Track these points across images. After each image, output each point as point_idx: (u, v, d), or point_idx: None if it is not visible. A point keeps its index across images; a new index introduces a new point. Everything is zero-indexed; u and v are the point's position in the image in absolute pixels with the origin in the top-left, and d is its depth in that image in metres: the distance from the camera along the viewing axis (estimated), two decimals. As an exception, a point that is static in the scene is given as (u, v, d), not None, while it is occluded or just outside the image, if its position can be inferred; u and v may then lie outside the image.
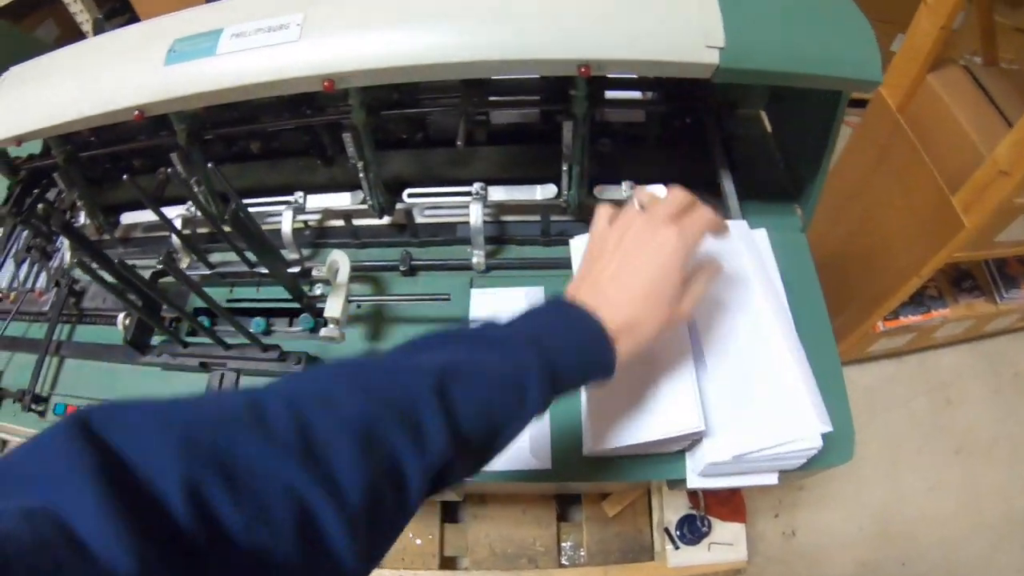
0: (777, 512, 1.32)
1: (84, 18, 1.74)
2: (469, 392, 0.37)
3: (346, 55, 0.49)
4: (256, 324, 0.67)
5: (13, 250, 0.85)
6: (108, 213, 0.80)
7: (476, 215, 0.60)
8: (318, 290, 0.66)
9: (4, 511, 0.21)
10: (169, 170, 0.68)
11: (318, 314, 0.62)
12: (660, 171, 0.66)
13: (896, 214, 1.01)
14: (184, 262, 0.70)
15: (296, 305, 0.63)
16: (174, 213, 0.71)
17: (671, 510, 1.13)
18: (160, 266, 0.62)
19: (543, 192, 0.65)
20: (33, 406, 0.68)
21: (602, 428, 0.54)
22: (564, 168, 0.62)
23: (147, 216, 0.78)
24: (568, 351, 0.42)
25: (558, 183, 0.64)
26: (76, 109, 0.58)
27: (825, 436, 0.51)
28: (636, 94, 0.72)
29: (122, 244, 0.81)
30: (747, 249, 0.58)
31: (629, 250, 0.46)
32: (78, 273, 0.77)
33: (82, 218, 0.81)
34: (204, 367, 0.63)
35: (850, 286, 1.20)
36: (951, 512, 1.33)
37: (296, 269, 0.62)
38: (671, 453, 0.59)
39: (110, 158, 0.79)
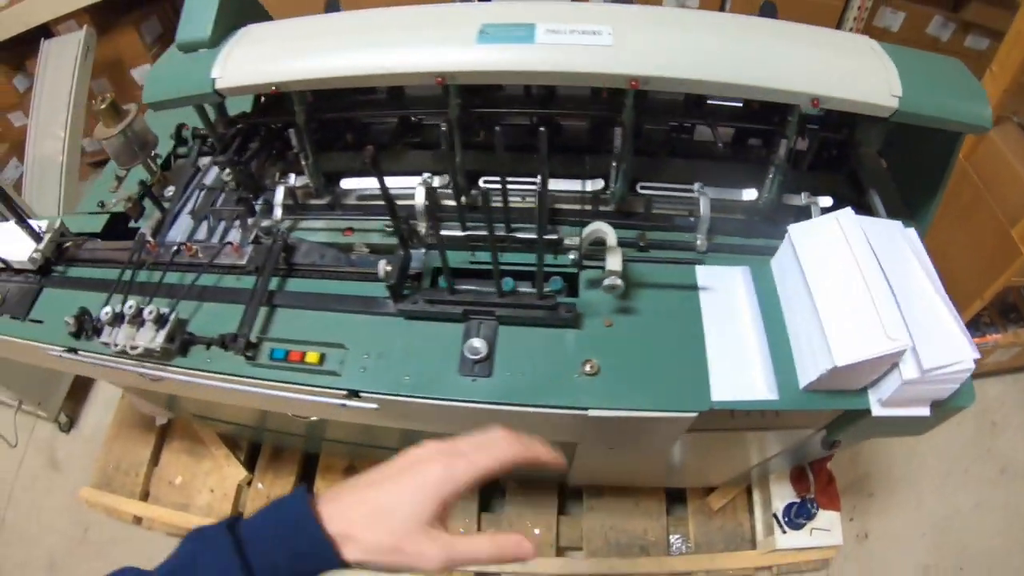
0: (852, 516, 1.49)
1: None
2: None
3: (653, 63, 0.69)
4: (506, 284, 0.77)
5: (191, 207, 0.99)
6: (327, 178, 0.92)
7: (705, 207, 0.83)
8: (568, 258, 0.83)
9: None
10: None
11: (568, 279, 0.81)
12: (819, 185, 0.90)
13: (962, 246, 1.27)
14: (421, 228, 0.84)
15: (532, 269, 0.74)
16: (401, 184, 0.84)
17: (778, 499, 1.30)
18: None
19: (592, 185, 0.85)
20: (246, 352, 0.75)
21: (812, 356, 0.73)
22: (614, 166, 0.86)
23: (364, 184, 0.91)
24: (275, 547, 0.43)
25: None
26: (373, 64, 0.72)
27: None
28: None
29: (340, 208, 0.93)
30: (902, 236, 0.80)
31: (393, 464, 0.47)
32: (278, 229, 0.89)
33: (292, 179, 0.92)
34: (465, 316, 0.75)
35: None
36: (997, 528, 1.52)
37: (554, 236, 0.82)
38: (854, 391, 0.78)
39: (323, 127, 0.91)
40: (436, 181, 0.83)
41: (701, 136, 0.95)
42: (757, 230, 0.87)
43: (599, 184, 0.85)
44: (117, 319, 0.78)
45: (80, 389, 1.82)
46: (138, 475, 1.55)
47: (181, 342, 0.78)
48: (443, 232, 0.79)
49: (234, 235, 0.95)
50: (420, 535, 0.43)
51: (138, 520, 1.52)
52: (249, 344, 0.76)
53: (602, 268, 0.75)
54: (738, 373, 0.75)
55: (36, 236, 0.92)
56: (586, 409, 0.69)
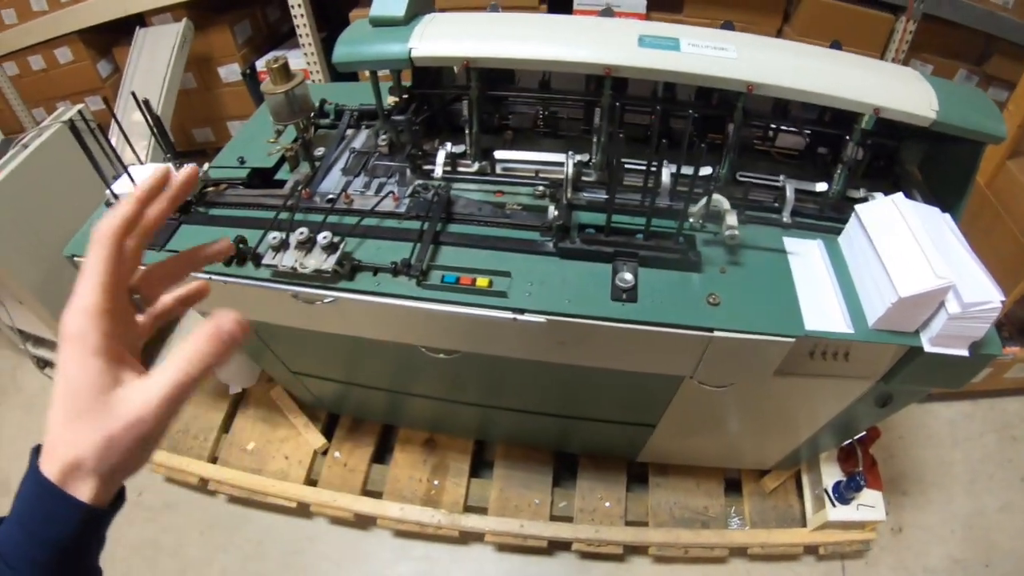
0: (888, 511, 1.69)
1: (302, 22, 2.09)
2: None
3: (767, 74, 0.94)
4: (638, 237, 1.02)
5: (342, 165, 1.21)
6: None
7: (790, 191, 1.09)
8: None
9: None
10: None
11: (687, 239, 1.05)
12: (871, 189, 1.16)
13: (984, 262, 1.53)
14: (566, 194, 1.06)
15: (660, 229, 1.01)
16: (545, 158, 1.14)
17: (828, 477, 1.50)
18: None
19: (703, 171, 1.14)
20: (420, 277, 0.96)
21: (879, 295, 0.97)
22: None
23: (515, 155, 1.16)
24: (26, 530, 0.38)
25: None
26: (554, 52, 0.97)
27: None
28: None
29: (492, 175, 1.16)
30: (940, 217, 1.05)
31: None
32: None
33: (449, 146, 1.15)
34: (613, 256, 0.97)
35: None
36: (1021, 529, 1.72)
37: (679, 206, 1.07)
38: (910, 334, 1.00)
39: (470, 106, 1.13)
40: (577, 157, 1.08)
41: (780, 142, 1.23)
42: (826, 215, 1.13)
43: (708, 170, 1.11)
44: (282, 245, 0.97)
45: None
46: (207, 439, 1.69)
47: (351, 267, 0.98)
48: (586, 196, 1.06)
49: (391, 189, 1.14)
50: (114, 404, 0.38)
51: (203, 483, 1.66)
52: (422, 271, 0.96)
53: (712, 233, 1.00)
54: (821, 312, 0.98)
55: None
56: (711, 330, 0.92)
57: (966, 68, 1.97)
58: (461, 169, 1.18)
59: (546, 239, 1.02)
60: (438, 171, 1.14)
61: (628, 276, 0.94)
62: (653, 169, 0.92)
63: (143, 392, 0.39)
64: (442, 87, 1.24)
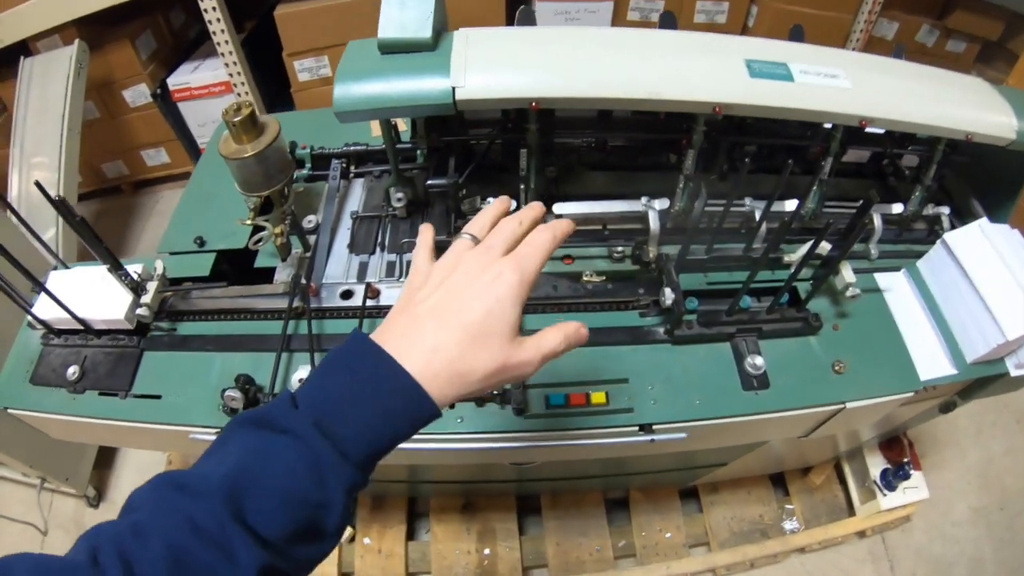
0: (912, 474, 1.86)
1: (219, 27, 1.88)
2: (264, 497, 0.40)
3: (881, 108, 0.90)
4: (743, 302, 0.93)
5: (348, 230, 1.02)
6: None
7: (878, 222, 1.09)
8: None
9: None
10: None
11: (792, 291, 1.02)
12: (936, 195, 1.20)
13: None
14: (651, 251, 0.95)
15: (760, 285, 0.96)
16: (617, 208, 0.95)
17: (873, 467, 1.61)
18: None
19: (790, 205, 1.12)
20: (520, 408, 0.83)
21: (981, 335, 1.02)
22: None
23: (582, 208, 0.95)
24: (375, 420, 0.43)
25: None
26: (648, 87, 0.79)
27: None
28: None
29: None
30: (1014, 236, 1.12)
31: (457, 284, 0.47)
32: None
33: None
34: (731, 336, 0.92)
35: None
36: (1022, 466, 1.95)
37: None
38: (997, 360, 1.07)
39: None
40: (657, 204, 0.96)
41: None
42: (903, 239, 1.16)
43: (794, 203, 1.08)
44: None
45: (105, 457, 1.80)
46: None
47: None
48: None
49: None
50: (516, 346, 0.47)
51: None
52: (520, 398, 0.80)
53: (805, 280, 0.99)
54: (927, 356, 1.02)
55: (134, 286, 0.87)
56: (844, 403, 0.93)
57: (929, 23, 2.06)
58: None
59: (650, 321, 0.96)
60: None
61: (759, 361, 0.92)
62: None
63: (534, 346, 0.48)
64: (466, 127, 1.03)
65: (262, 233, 0.97)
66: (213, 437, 0.72)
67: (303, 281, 0.93)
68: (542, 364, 0.48)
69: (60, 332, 0.92)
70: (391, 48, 0.82)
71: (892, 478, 1.56)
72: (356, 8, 1.88)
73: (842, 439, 1.49)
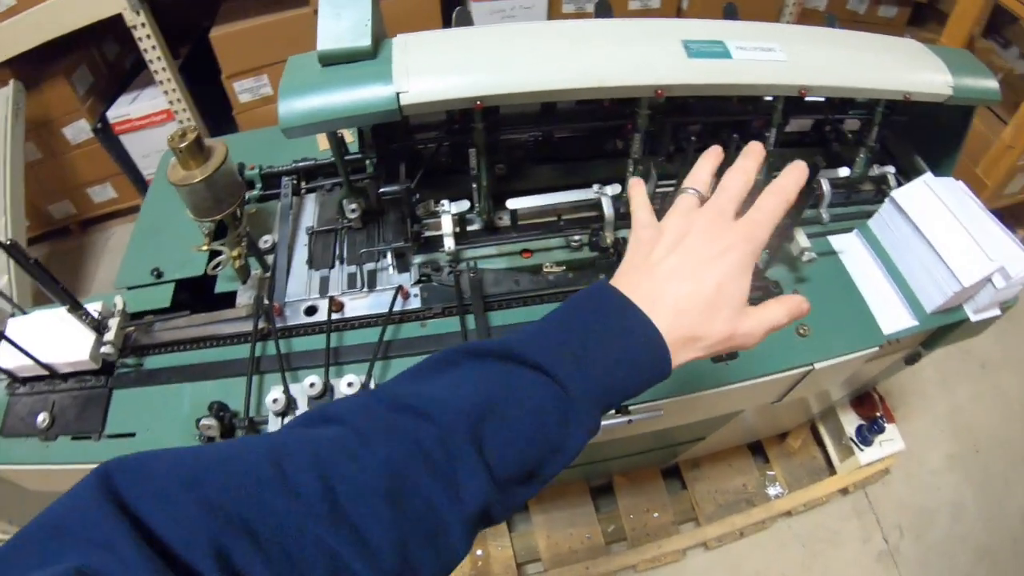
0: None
1: (155, 55, 1.84)
2: (506, 432, 0.38)
3: (818, 76, 0.93)
4: None
5: (305, 247, 1.02)
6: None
7: (827, 187, 1.13)
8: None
9: (61, 571, 0.26)
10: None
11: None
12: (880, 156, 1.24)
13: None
14: (608, 237, 0.99)
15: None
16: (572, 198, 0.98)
17: (848, 425, 1.67)
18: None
19: None
20: None
21: (936, 286, 1.06)
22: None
23: (535, 202, 0.99)
24: (620, 368, 0.42)
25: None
26: (591, 76, 0.80)
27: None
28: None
29: (506, 231, 1.03)
30: (958, 188, 1.16)
31: (693, 248, 0.47)
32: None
33: (446, 204, 0.97)
34: None
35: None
36: (989, 409, 2.01)
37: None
38: (955, 309, 1.12)
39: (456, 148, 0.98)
40: (609, 190, 0.99)
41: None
42: (852, 201, 1.20)
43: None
44: (290, 406, 0.80)
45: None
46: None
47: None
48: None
49: (388, 278, 0.98)
50: (744, 317, 0.47)
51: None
52: None
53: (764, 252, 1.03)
54: (887, 312, 1.06)
55: (96, 325, 0.85)
56: (812, 364, 0.96)
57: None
58: (473, 228, 1.05)
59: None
60: (449, 243, 0.97)
61: (727, 332, 0.95)
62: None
63: (758, 318, 0.48)
64: (412, 132, 1.04)
65: (220, 257, 0.97)
66: None
67: (266, 302, 0.94)
68: (764, 336, 0.49)
69: (25, 380, 0.90)
70: (331, 60, 0.83)
71: (867, 433, 1.61)
72: (293, 24, 1.86)
73: (814, 401, 1.53)
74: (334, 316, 0.92)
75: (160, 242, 1.09)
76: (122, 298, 0.91)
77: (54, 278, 0.79)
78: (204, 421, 0.78)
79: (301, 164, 1.14)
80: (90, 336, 0.85)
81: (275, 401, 0.83)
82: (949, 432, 1.95)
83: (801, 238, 1.00)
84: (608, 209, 0.97)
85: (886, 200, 1.12)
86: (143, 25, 1.74)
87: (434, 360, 0.43)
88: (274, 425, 0.82)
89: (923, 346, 1.26)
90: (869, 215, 1.16)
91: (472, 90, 0.79)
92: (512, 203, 1.01)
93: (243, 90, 1.97)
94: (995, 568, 1.69)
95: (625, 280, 0.47)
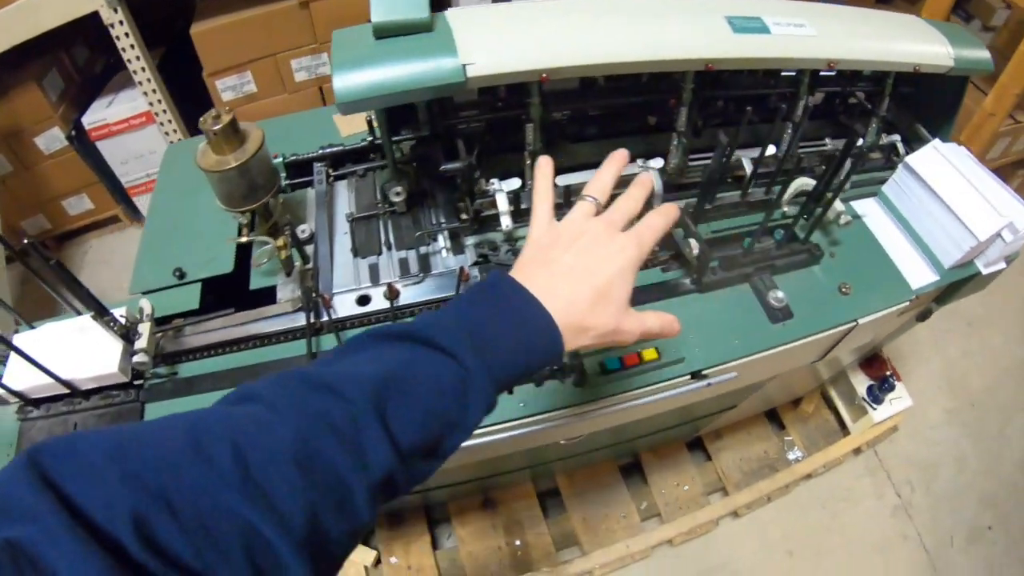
0: (887, 387, 2.01)
1: (134, 55, 1.77)
2: (408, 406, 0.42)
3: (846, 49, 0.98)
4: (776, 234, 1.04)
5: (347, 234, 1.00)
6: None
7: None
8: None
9: None
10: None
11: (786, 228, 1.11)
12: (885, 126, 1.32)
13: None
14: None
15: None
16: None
17: (859, 386, 1.75)
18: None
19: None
20: (580, 377, 0.86)
21: (953, 242, 1.14)
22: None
23: (579, 179, 1.01)
24: (517, 350, 0.47)
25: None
26: (652, 51, 0.84)
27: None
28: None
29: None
30: (963, 152, 1.24)
31: (588, 248, 0.53)
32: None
33: (496, 183, 0.95)
34: (748, 277, 0.99)
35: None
36: (980, 364, 2.12)
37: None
38: (968, 263, 1.20)
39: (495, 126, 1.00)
40: (653, 164, 1.01)
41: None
42: (867, 169, 1.28)
43: (772, 149, 1.17)
44: None
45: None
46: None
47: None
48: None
49: (441, 261, 0.98)
50: (627, 315, 0.53)
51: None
52: (579, 368, 0.84)
53: (791, 218, 1.08)
54: (912, 269, 1.13)
55: (124, 332, 0.80)
56: (856, 320, 1.02)
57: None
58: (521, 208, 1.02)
59: (673, 275, 1.01)
60: (506, 221, 0.93)
61: (780, 294, 0.98)
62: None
63: (638, 320, 0.54)
64: (457, 111, 1.00)
65: (263, 248, 0.92)
66: None
67: (314, 295, 0.88)
68: (639, 339, 0.55)
69: (39, 401, 0.83)
70: (387, 32, 0.81)
71: (879, 392, 1.69)
72: (277, 18, 1.79)
73: (824, 367, 1.61)
74: (390, 305, 0.89)
75: (177, 241, 1.04)
76: (149, 302, 0.85)
77: (79, 282, 0.74)
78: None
79: (329, 150, 1.11)
80: (117, 345, 0.79)
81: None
82: (945, 389, 2.05)
83: (837, 202, 1.06)
84: (657, 183, 1.00)
85: (899, 166, 1.19)
86: (121, 23, 1.66)
87: (347, 343, 0.47)
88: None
89: (935, 302, 1.34)
90: (881, 182, 1.22)
91: (539, 63, 0.81)
92: (563, 179, 1.03)
93: (226, 88, 1.90)
94: (1000, 514, 1.79)
95: (523, 273, 0.52)
